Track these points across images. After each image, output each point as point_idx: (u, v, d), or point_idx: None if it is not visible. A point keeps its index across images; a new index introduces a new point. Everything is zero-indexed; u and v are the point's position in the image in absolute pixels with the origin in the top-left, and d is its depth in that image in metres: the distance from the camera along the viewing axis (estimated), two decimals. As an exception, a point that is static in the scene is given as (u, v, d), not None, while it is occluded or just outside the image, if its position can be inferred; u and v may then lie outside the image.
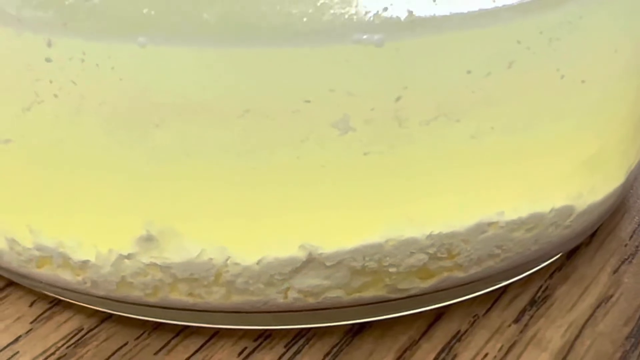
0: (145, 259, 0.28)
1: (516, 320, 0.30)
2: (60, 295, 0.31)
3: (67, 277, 0.30)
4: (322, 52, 0.25)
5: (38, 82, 0.27)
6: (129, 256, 0.28)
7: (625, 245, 0.33)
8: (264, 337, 0.30)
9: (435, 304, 0.30)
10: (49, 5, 0.26)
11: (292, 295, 0.29)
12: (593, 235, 0.34)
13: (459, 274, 0.29)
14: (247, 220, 0.28)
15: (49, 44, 0.26)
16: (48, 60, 0.26)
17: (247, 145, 0.26)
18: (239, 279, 0.28)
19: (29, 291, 0.32)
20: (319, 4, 0.25)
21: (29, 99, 0.27)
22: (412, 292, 0.29)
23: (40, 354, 0.29)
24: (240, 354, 0.29)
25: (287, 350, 0.29)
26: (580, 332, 0.30)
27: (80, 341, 0.30)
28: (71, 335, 0.30)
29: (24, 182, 0.29)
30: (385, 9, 0.25)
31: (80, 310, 0.31)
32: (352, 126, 0.26)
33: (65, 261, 0.29)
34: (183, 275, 0.28)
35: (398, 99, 0.26)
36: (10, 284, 0.32)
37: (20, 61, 0.27)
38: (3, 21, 0.26)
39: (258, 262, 0.28)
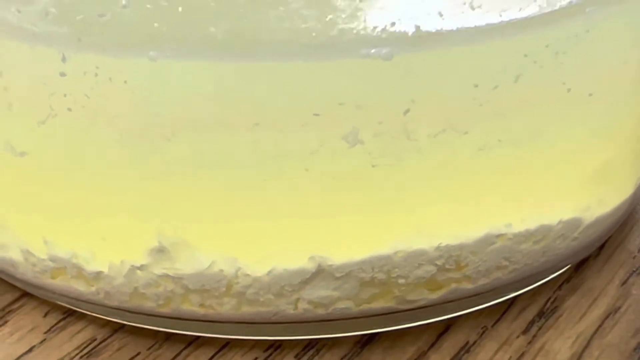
0: (157, 270, 0.29)
1: (524, 332, 0.30)
2: (73, 306, 0.31)
3: (80, 287, 0.30)
4: (331, 66, 0.26)
5: (53, 96, 0.27)
6: (141, 267, 0.29)
7: (634, 257, 0.33)
8: (274, 348, 0.30)
9: (443, 315, 0.31)
10: (63, 21, 0.26)
11: (302, 306, 0.29)
12: (601, 247, 0.34)
13: (467, 286, 0.30)
14: (257, 232, 0.28)
15: (64, 59, 0.26)
16: (62, 74, 0.26)
17: (257, 158, 0.27)
18: (249, 290, 0.29)
19: (43, 302, 0.32)
20: (327, 19, 0.25)
21: (44, 112, 0.27)
22: (421, 303, 0.29)
23: (54, 364, 0.30)
24: (250, 364, 0.30)
25: (297, 361, 0.30)
26: (588, 343, 0.30)
27: (93, 351, 0.30)
28: (84, 345, 0.30)
29: (39, 194, 0.29)
30: (393, 23, 0.25)
31: (93, 320, 0.31)
32: (361, 139, 0.27)
33: (79, 272, 0.30)
34: (194, 286, 0.29)
35: (406, 112, 0.27)
36: (25, 294, 0.32)
37: (35, 75, 0.27)
38: (19, 36, 0.27)
39: (268, 274, 0.28)
